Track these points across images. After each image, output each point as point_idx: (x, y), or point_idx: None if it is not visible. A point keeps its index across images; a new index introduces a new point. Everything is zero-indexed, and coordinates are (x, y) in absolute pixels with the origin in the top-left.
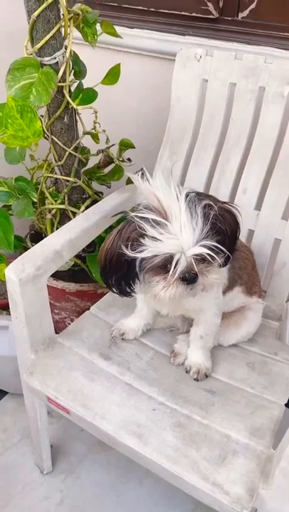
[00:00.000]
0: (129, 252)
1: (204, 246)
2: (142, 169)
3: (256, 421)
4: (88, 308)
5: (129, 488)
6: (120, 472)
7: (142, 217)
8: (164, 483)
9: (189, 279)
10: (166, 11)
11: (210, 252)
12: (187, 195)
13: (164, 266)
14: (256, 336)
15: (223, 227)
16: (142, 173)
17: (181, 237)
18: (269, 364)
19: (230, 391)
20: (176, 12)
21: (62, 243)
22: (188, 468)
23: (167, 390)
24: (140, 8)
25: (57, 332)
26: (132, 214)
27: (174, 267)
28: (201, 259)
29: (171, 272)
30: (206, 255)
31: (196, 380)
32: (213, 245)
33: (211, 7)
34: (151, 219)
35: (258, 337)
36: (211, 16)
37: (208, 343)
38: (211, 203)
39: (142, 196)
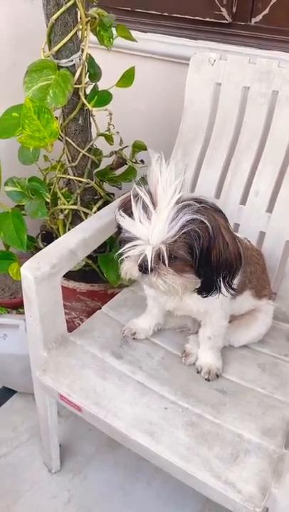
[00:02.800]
0: (116, 215)
1: (166, 248)
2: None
3: (268, 421)
4: (98, 309)
5: (137, 488)
6: (128, 472)
7: (137, 194)
8: (173, 483)
9: (143, 268)
10: (179, 16)
11: (165, 256)
12: (180, 200)
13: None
14: (267, 337)
15: (195, 251)
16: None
17: (151, 229)
18: (280, 365)
19: (242, 391)
20: (189, 17)
21: (76, 242)
22: (201, 466)
23: (179, 390)
24: (154, 12)
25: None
26: (134, 187)
27: (137, 252)
28: (163, 259)
29: (134, 254)
30: (162, 257)
31: (208, 380)
32: (173, 253)
33: (224, 12)
34: (143, 201)
35: (269, 338)
36: (224, 21)
37: (218, 343)
38: (207, 223)
39: None
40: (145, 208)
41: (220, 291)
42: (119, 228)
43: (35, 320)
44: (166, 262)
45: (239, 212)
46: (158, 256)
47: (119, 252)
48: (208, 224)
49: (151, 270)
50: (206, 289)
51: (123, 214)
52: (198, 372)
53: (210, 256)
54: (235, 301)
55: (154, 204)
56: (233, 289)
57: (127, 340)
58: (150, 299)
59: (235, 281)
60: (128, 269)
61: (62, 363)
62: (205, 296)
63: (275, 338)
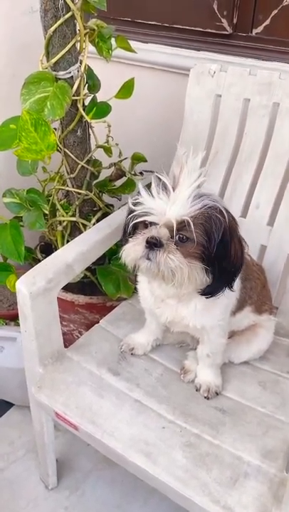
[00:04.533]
0: (130, 199)
1: (183, 222)
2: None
3: (268, 442)
4: (97, 321)
5: (135, 507)
6: (125, 490)
7: (159, 178)
8: (169, 502)
9: (152, 242)
10: (180, 27)
11: (183, 234)
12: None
13: (145, 227)
14: (268, 353)
15: (214, 237)
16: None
17: (171, 203)
18: (281, 383)
19: (242, 410)
20: (190, 27)
21: (73, 256)
22: (199, 490)
23: (177, 408)
24: (154, 23)
25: (65, 346)
26: (155, 173)
27: (150, 225)
28: (174, 240)
29: (145, 230)
30: (179, 235)
31: (207, 398)
32: (186, 234)
33: (225, 23)
34: (163, 181)
35: (270, 355)
36: (225, 32)
37: (217, 360)
38: (225, 214)
39: None
40: (165, 188)
41: (229, 288)
42: (131, 213)
43: (31, 335)
44: (193, 234)
45: (239, 224)
46: (170, 234)
47: (130, 217)
48: (226, 215)
49: (161, 246)
50: (216, 288)
51: (144, 188)
52: (197, 390)
53: (228, 251)
54: (235, 317)
55: (173, 188)
56: (232, 287)
57: (125, 356)
58: (148, 314)
59: (237, 296)
60: (131, 247)
61: (58, 380)
62: (209, 297)
63: (276, 354)
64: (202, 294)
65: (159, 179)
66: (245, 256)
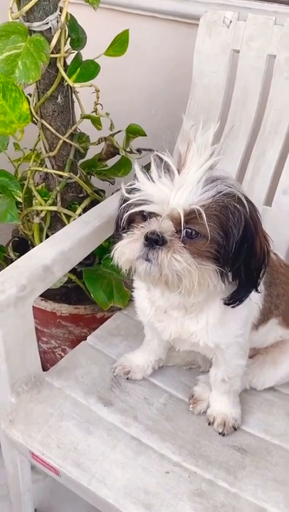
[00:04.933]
0: (123, 185)
1: (193, 212)
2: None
3: None
4: (84, 337)
5: None
6: None
7: (160, 158)
8: None
9: (152, 239)
10: None
11: (192, 228)
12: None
13: (143, 219)
14: None
15: (232, 232)
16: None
17: (176, 189)
18: None
19: (266, 449)
20: None
21: (53, 256)
22: None
23: (184, 447)
24: None
25: (45, 367)
26: (155, 152)
27: (149, 217)
28: (180, 235)
29: (143, 223)
30: (187, 230)
31: (222, 434)
32: (195, 228)
33: None
34: (166, 161)
35: None
36: None
37: (235, 386)
38: (245, 203)
39: None
40: (168, 170)
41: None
42: (124, 201)
43: (0, 357)
44: (206, 228)
45: (263, 215)
46: (175, 228)
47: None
48: (246, 204)
49: (164, 243)
50: (242, 294)
51: (141, 170)
52: (209, 424)
53: (253, 248)
54: (258, 331)
55: (179, 170)
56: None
57: (119, 382)
58: (147, 328)
59: (260, 302)
60: (126, 246)
61: (34, 412)
62: (236, 305)
63: None
64: (227, 304)
65: (161, 159)
66: (270, 252)
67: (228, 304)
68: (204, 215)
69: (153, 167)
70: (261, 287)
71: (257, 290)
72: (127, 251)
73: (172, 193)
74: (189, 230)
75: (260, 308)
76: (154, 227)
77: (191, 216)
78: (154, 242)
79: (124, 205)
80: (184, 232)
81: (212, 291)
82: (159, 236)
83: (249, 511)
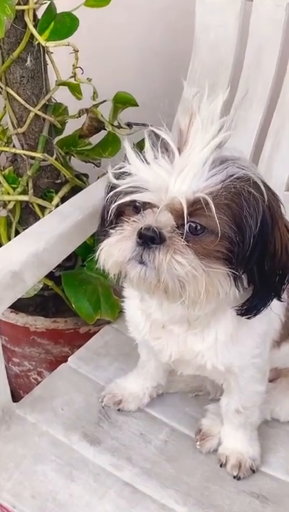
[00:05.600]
0: (110, 169)
1: (198, 201)
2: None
3: None
4: (66, 356)
5: None
6: None
7: (156, 134)
8: None
9: (147, 236)
10: None
11: (197, 222)
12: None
13: (135, 211)
14: None
15: (248, 225)
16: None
17: (175, 173)
18: None
19: None
20: None
21: (23, 259)
22: None
23: (190, 495)
24: None
25: (17, 394)
26: (150, 127)
27: (143, 209)
28: (183, 231)
29: (136, 217)
30: (190, 224)
31: (237, 478)
32: (201, 222)
33: None
34: (163, 139)
35: None
36: None
37: (252, 418)
38: (263, 189)
39: None
40: (166, 149)
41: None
42: (112, 189)
43: None
44: (215, 221)
45: (285, 203)
46: (175, 222)
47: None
48: (264, 190)
49: (162, 241)
50: (260, 302)
51: (132, 150)
52: (221, 466)
53: (272, 245)
54: (280, 350)
55: (180, 149)
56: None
57: (109, 414)
58: (142, 347)
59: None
60: (114, 245)
61: (3, 453)
62: (250, 317)
63: None
64: (241, 314)
65: (157, 136)
66: None
67: (241, 315)
68: (212, 205)
69: (148, 146)
70: (284, 295)
71: (280, 298)
72: (115, 252)
73: (172, 178)
74: (194, 225)
75: (283, 321)
76: (150, 221)
77: (196, 207)
78: (149, 240)
79: (111, 194)
80: (187, 227)
81: (223, 300)
82: (155, 232)
83: None
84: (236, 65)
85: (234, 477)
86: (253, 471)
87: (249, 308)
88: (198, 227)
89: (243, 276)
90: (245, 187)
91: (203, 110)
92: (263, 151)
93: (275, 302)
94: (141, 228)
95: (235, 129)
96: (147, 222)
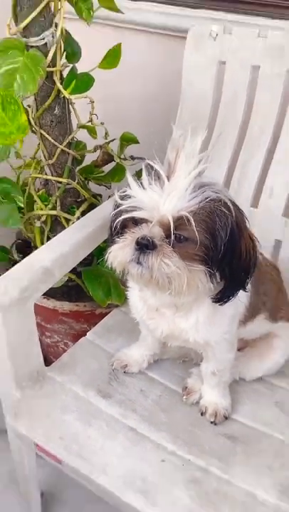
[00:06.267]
0: (116, 192)
1: (181, 218)
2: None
3: (287, 476)
4: (85, 331)
5: None
6: None
7: (151, 166)
8: None
9: (143, 244)
10: None
11: (180, 233)
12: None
13: (135, 224)
14: (286, 367)
15: (220, 235)
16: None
17: (165, 195)
18: None
19: (256, 437)
20: None
21: (53, 258)
22: None
23: (179, 437)
24: None
25: (49, 359)
26: (146, 161)
27: (141, 223)
28: (170, 240)
29: (135, 229)
30: (176, 235)
31: (214, 423)
32: (183, 233)
33: None
34: (156, 169)
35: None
36: None
37: (224, 378)
38: (232, 208)
39: None
40: (158, 177)
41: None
42: (117, 207)
43: (4, 355)
44: (194, 233)
45: (250, 216)
46: (164, 233)
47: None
48: (232, 209)
49: (154, 247)
50: (229, 292)
51: (133, 179)
52: (202, 414)
53: (238, 250)
54: (245, 327)
55: (168, 177)
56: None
57: (117, 375)
58: (142, 326)
59: (246, 301)
60: (118, 249)
61: (37, 406)
62: (224, 303)
63: None
64: (215, 302)
65: (152, 167)
66: (257, 253)
67: (216, 302)
68: (192, 221)
69: (144, 175)
70: (248, 286)
71: (245, 289)
72: (119, 254)
73: (161, 199)
74: (178, 235)
75: (247, 306)
76: (145, 232)
77: (180, 222)
78: (144, 246)
79: (116, 211)
80: (173, 237)
81: (201, 291)
82: (149, 241)
83: (240, 497)
84: (213, 112)
85: (211, 423)
86: (226, 418)
87: (221, 297)
88: (182, 237)
89: (216, 273)
90: (217, 206)
91: (187, 147)
92: (233, 178)
93: (241, 293)
94: (138, 237)
95: (211, 162)
96: (143, 233)
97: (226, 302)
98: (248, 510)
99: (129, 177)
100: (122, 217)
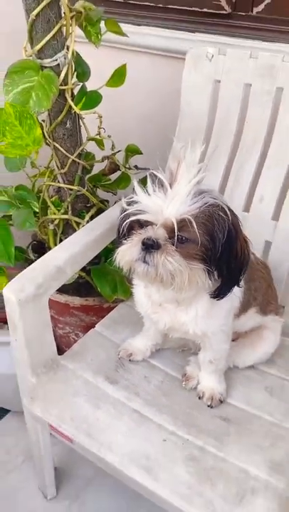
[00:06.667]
0: (123, 199)
1: (184, 221)
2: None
3: (276, 454)
4: (94, 323)
5: None
6: (128, 498)
7: (154, 175)
8: None
9: (148, 244)
10: (175, 7)
11: (182, 234)
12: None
13: (140, 227)
14: (275, 356)
15: (218, 237)
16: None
17: (169, 200)
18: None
19: (248, 419)
20: (186, 8)
21: (65, 258)
22: (203, 508)
23: (179, 418)
24: (148, 4)
25: (61, 349)
26: (151, 170)
27: (146, 226)
28: (173, 240)
29: (141, 231)
30: (178, 236)
31: (210, 406)
32: (185, 234)
33: (223, 2)
34: (160, 178)
35: (277, 358)
36: (224, 12)
37: (220, 366)
38: (228, 212)
39: None
40: (162, 185)
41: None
42: (123, 211)
43: (21, 345)
44: (196, 234)
45: (242, 220)
46: (168, 234)
47: (123, 215)
48: (228, 213)
49: (158, 247)
50: (226, 289)
51: (139, 185)
52: (199, 398)
53: (234, 250)
54: (239, 320)
55: (171, 185)
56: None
57: (123, 363)
58: (146, 319)
59: (240, 295)
60: (126, 249)
61: (51, 390)
62: (221, 298)
63: (284, 357)
64: (213, 297)
65: (155, 176)
66: (250, 253)
67: (214, 298)
68: (194, 224)
69: (149, 182)
70: (242, 283)
71: (239, 285)
72: (127, 254)
73: (165, 204)
74: (180, 236)
75: (241, 301)
76: (150, 234)
77: (182, 224)
78: (150, 246)
79: (123, 215)
80: (176, 238)
81: (201, 287)
82: (154, 241)
83: (234, 472)
84: (209, 126)
85: (208, 406)
86: (221, 402)
87: (218, 293)
88: (184, 238)
89: (214, 271)
90: (216, 211)
91: (187, 158)
92: (227, 185)
93: (236, 288)
94: (144, 238)
95: (208, 170)
96: (148, 235)
97: (222, 297)
98: (241, 485)
99: (136, 184)
100: (129, 219)
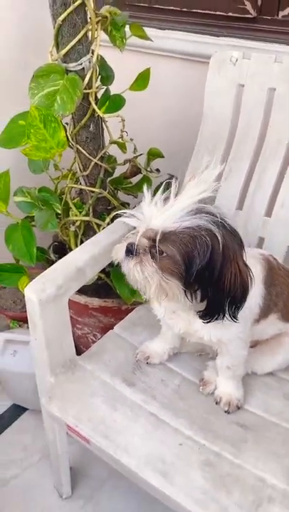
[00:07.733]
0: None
1: (165, 233)
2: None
3: None
4: (112, 325)
5: None
6: (142, 499)
7: (168, 184)
8: None
9: (128, 249)
10: (199, 11)
11: (160, 247)
12: (204, 202)
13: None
14: None
15: (195, 261)
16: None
17: (158, 211)
18: None
19: (265, 426)
20: (210, 12)
21: (85, 259)
22: None
23: (195, 423)
24: (172, 8)
25: (79, 349)
26: (167, 180)
27: (131, 232)
28: (154, 251)
29: (132, 234)
30: (158, 247)
31: (227, 412)
32: (163, 249)
33: (248, 6)
34: (171, 188)
35: None
36: (249, 16)
37: (238, 372)
38: (220, 240)
39: None
40: (168, 197)
41: (224, 317)
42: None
43: (41, 344)
44: (170, 250)
45: (264, 225)
46: (149, 244)
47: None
48: (220, 240)
49: (136, 254)
50: (210, 314)
51: (148, 191)
52: (217, 404)
53: (223, 278)
54: (258, 326)
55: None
56: (236, 318)
57: (140, 365)
58: (163, 322)
59: (260, 302)
60: (118, 248)
61: (69, 391)
62: (208, 322)
63: None
64: (199, 317)
65: (169, 185)
66: (248, 286)
67: (200, 318)
68: (169, 240)
69: (160, 190)
70: (261, 288)
71: (234, 319)
72: (118, 252)
73: (154, 215)
74: (160, 249)
75: (261, 306)
76: (133, 240)
77: (165, 238)
78: (129, 252)
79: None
80: (154, 250)
81: (183, 302)
82: (132, 248)
83: (251, 480)
84: (232, 130)
85: (225, 412)
86: (239, 408)
87: (205, 315)
88: (162, 252)
89: (197, 292)
90: (202, 235)
91: (204, 174)
92: (249, 188)
93: (257, 292)
94: (128, 243)
95: (217, 192)
96: (132, 241)
97: (210, 321)
98: (257, 493)
99: (145, 192)
100: (120, 218)
